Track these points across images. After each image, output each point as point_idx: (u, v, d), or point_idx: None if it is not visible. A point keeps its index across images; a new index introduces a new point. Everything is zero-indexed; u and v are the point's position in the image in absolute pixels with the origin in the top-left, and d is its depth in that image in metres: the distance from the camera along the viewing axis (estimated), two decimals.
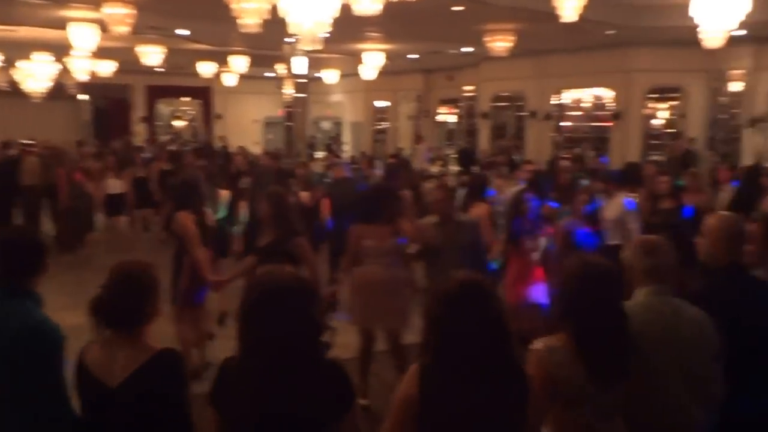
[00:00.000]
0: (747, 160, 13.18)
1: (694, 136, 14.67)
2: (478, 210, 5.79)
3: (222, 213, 6.66)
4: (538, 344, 2.34)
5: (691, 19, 8.16)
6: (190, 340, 5.05)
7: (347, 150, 20.88)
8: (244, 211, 6.94)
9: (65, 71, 15.65)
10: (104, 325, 2.25)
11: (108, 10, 9.55)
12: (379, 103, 22.46)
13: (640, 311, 2.47)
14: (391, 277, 4.65)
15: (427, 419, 2.06)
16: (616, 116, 15.08)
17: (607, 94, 15.71)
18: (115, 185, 9.93)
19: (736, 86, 14.39)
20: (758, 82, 13.94)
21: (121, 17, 9.52)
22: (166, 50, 14.47)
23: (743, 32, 11.16)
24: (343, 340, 5.84)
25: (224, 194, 6.78)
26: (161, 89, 21.82)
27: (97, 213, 10.26)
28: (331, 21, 5.33)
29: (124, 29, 9.63)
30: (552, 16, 9.06)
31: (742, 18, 7.97)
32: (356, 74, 17.91)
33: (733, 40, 10.77)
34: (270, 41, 12.90)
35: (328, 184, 8.10)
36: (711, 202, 6.48)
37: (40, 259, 2.47)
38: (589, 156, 13.87)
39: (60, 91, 18.21)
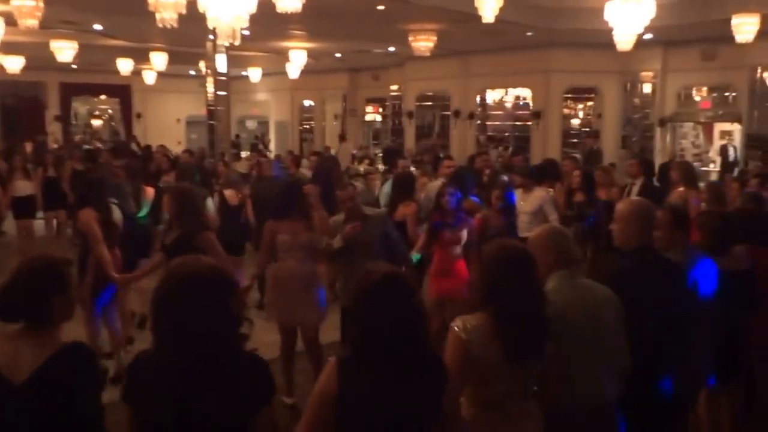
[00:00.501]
0: (659, 157, 13.92)
1: (607, 134, 15.36)
2: (406, 208, 5.80)
3: (145, 211, 6.46)
4: (457, 322, 2.40)
5: (606, 22, 8.53)
6: (101, 341, 4.95)
7: (273, 149, 20.63)
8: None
9: None
10: (5, 319, 2.14)
11: (16, 2, 9.02)
12: (306, 102, 22.32)
13: (557, 295, 2.58)
14: (304, 272, 4.66)
15: (346, 413, 2.05)
16: (536, 115, 15.57)
17: (527, 94, 16.20)
18: (25, 187, 9.41)
19: (647, 87, 15.18)
20: (667, 83, 14.74)
21: (30, 9, 8.99)
22: (79, 46, 13.83)
23: (651, 36, 11.79)
24: (269, 338, 5.79)
25: (149, 192, 6.55)
26: (77, 87, 20.84)
27: (4, 216, 9.70)
28: (251, 17, 5.24)
29: (32, 22, 9.11)
30: (473, 17, 9.27)
31: (648, 23, 8.40)
32: (282, 73, 17.75)
33: (643, 44, 11.39)
34: (191, 38, 12.58)
35: (252, 183, 7.99)
36: (622, 195, 6.79)
37: None
38: (505, 154, 14.30)
39: None
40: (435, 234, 5.17)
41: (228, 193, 6.63)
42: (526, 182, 6.46)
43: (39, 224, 10.07)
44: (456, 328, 2.38)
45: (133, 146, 16.62)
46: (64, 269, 2.23)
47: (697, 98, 15.04)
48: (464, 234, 5.16)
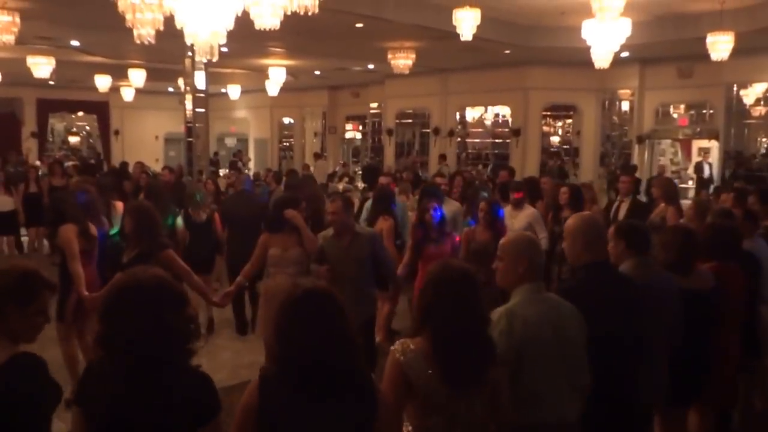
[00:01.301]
0: (637, 174, 14.09)
1: (585, 151, 15.56)
2: (383, 224, 5.81)
3: (117, 228, 6.37)
4: (397, 345, 2.29)
5: (583, 40, 8.66)
6: (76, 358, 4.86)
7: (252, 167, 20.55)
8: None
9: None
10: None
11: None
12: (285, 120, 22.31)
13: (523, 309, 2.55)
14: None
15: (264, 429, 1.98)
16: (515, 133, 15.72)
17: (507, 112, 16.36)
18: (5, 202, 9.26)
19: (625, 105, 15.42)
20: (644, 100, 14.97)
21: (5, 25, 8.93)
22: (56, 62, 13.72)
23: (627, 54, 11.99)
24: (248, 360, 5.70)
25: (120, 208, 6.48)
26: (54, 103, 20.64)
27: None
28: (230, 34, 5.24)
29: (8, 38, 9.04)
30: (451, 34, 9.34)
31: (624, 41, 8.55)
32: (261, 90, 17.74)
33: (620, 62, 11.58)
34: (170, 55, 12.55)
35: (226, 198, 7.98)
36: (609, 212, 6.87)
37: None
38: (484, 172, 14.47)
39: None
40: (419, 249, 5.17)
41: (192, 210, 6.59)
42: (519, 199, 6.47)
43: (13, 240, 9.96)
44: (395, 352, 2.26)
45: (104, 167, 16.49)
46: (34, 285, 2.16)
47: (675, 115, 15.30)
48: (448, 248, 5.17)
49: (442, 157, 16.12)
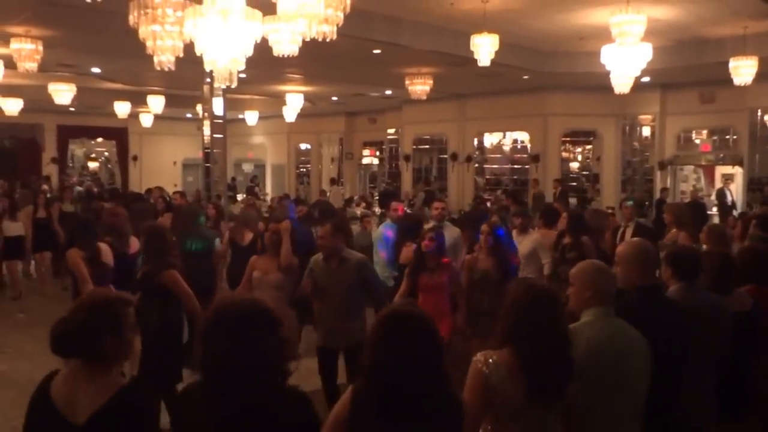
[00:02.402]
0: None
1: (606, 177, 15.48)
2: (409, 250, 5.60)
3: None
4: (479, 357, 2.40)
5: (603, 65, 8.67)
6: None
7: (269, 192, 20.71)
8: None
9: None
10: (62, 354, 2.14)
11: (16, 45, 9.26)
12: (302, 146, 22.52)
13: (590, 330, 2.63)
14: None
15: None
16: (534, 159, 15.70)
17: (525, 137, 16.37)
18: (13, 227, 9.36)
19: (646, 130, 15.36)
20: (666, 126, 14.91)
21: (29, 52, 9.22)
22: (77, 89, 14.03)
23: (648, 79, 11.99)
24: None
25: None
26: (74, 129, 21.06)
27: None
28: (248, 60, 5.33)
29: (32, 65, 9.31)
30: (469, 60, 9.42)
31: (645, 66, 8.55)
32: (278, 116, 17.96)
33: (641, 87, 11.57)
34: (188, 81, 12.78)
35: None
36: (615, 238, 6.86)
37: None
38: (502, 198, 14.43)
39: None
40: (414, 278, 5.03)
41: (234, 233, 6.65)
42: (523, 223, 6.47)
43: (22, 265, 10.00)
44: (478, 363, 2.38)
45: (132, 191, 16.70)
46: (121, 309, 2.22)
47: (697, 141, 15.19)
48: (443, 279, 4.99)
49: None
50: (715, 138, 14.84)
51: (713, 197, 15.45)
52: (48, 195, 12.41)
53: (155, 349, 4.39)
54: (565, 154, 16.20)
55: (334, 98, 17.66)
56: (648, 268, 3.13)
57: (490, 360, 2.37)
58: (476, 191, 15.69)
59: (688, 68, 11.91)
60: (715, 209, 14.92)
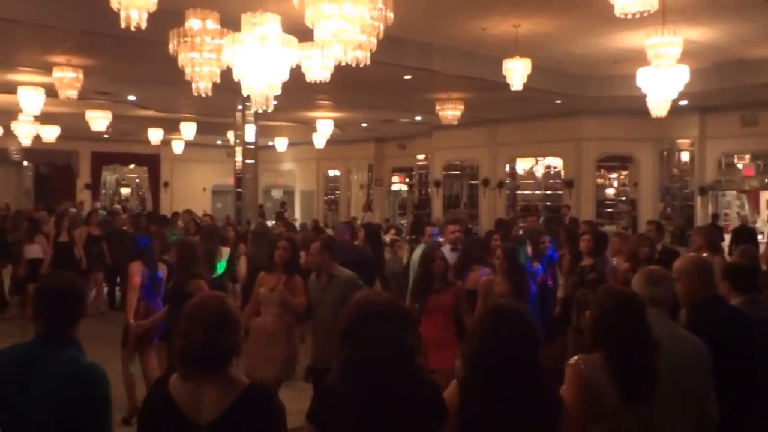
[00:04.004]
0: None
1: (644, 204, 15.35)
2: (477, 275, 5.58)
3: (221, 270, 7.21)
4: (577, 359, 2.58)
5: (638, 89, 8.69)
6: (134, 379, 5.55)
7: (298, 219, 20.95)
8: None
9: (7, 136, 15.51)
10: (197, 370, 2.19)
11: (58, 74, 9.71)
12: (331, 172, 22.79)
13: None
14: (274, 328, 4.83)
15: (466, 428, 2.26)
16: (568, 185, 15.66)
17: (559, 163, 16.35)
18: (32, 250, 9.47)
19: (685, 155, 15.22)
20: (706, 150, 14.76)
21: (70, 81, 9.67)
22: (112, 116, 14.55)
23: (686, 102, 11.96)
24: (299, 407, 5.76)
25: (225, 251, 7.31)
26: (108, 156, 21.82)
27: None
28: (282, 85, 5.52)
29: (72, 93, 9.76)
30: (501, 85, 9.54)
31: (683, 89, 8.55)
32: (308, 143, 18.28)
33: (679, 110, 11.54)
34: (221, 108, 13.14)
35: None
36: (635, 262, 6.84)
37: (81, 304, 2.48)
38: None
39: (2, 156, 17.98)
40: (423, 299, 5.02)
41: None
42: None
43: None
44: (579, 366, 2.54)
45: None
46: (232, 307, 2.32)
47: (740, 165, 14.99)
48: (449, 300, 4.98)
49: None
50: (758, 162, 14.62)
51: (758, 224, 15.16)
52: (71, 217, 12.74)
53: None
54: (600, 180, 16.12)
55: (364, 124, 17.92)
56: (709, 279, 3.26)
57: (588, 362, 2.54)
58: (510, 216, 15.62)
59: (727, 90, 11.85)
60: (760, 237, 14.63)
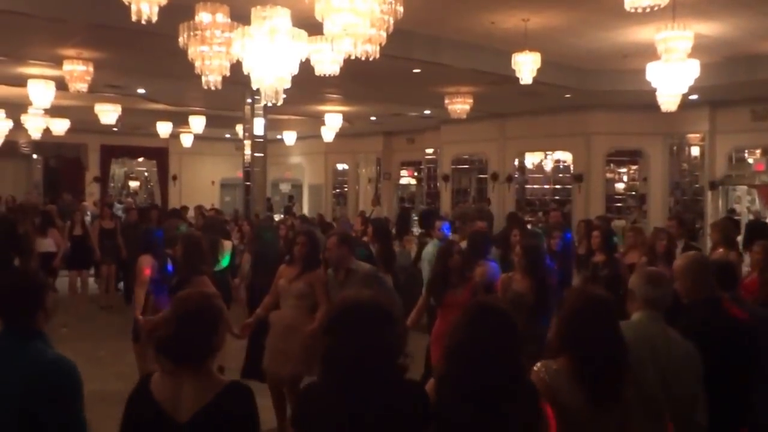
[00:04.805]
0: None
1: (653, 199, 15.32)
2: (483, 270, 5.57)
3: (224, 264, 7.19)
4: (539, 366, 2.52)
5: (648, 83, 8.68)
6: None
7: (306, 213, 21.03)
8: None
9: (17, 129, 15.64)
10: (170, 361, 2.24)
11: (68, 67, 9.78)
12: (340, 166, 22.84)
13: (632, 333, 2.71)
14: (293, 322, 4.80)
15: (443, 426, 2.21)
16: (577, 179, 15.64)
17: (568, 157, 16.33)
18: (44, 244, 9.58)
19: (695, 150, 15.16)
20: (716, 145, 14.70)
21: (80, 74, 9.75)
22: (122, 109, 14.64)
23: (696, 96, 11.92)
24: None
25: (227, 245, 7.22)
26: (117, 149, 21.95)
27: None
28: (292, 78, 5.57)
29: (82, 86, 9.84)
30: (510, 79, 9.55)
31: (693, 83, 8.53)
32: (316, 136, 18.33)
33: (689, 104, 11.50)
34: (230, 101, 13.21)
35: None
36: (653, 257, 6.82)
37: (36, 298, 2.50)
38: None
39: (12, 149, 18.12)
40: (440, 295, 5.03)
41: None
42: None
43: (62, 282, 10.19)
44: (539, 372, 2.50)
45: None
46: (220, 305, 2.37)
47: (750, 160, 14.91)
48: (466, 296, 4.92)
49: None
50: None
51: None
52: (87, 213, 12.87)
53: None
54: (609, 175, 16.09)
55: (373, 118, 17.94)
56: (705, 279, 3.25)
57: (551, 369, 2.49)
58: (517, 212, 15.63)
59: (738, 85, 11.81)
60: None
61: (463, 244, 7.29)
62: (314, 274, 4.96)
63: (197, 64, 6.14)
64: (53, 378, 2.33)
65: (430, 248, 6.81)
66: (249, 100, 12.57)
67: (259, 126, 12.83)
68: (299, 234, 5.31)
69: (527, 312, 4.62)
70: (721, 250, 6.14)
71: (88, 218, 13.05)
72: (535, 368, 2.53)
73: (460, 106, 12.70)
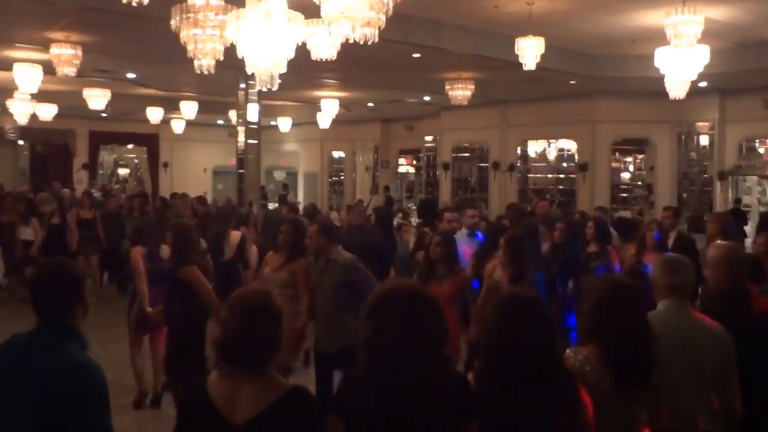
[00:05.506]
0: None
1: (660, 189, 15.33)
2: (495, 264, 5.47)
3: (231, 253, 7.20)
4: (569, 352, 2.66)
5: (656, 69, 8.66)
6: (141, 365, 5.88)
7: (301, 201, 21.01)
8: None
9: (2, 114, 15.58)
10: (232, 365, 2.21)
11: (56, 51, 9.72)
12: (336, 154, 22.80)
13: (658, 321, 2.80)
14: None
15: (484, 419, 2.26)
16: (582, 168, 15.64)
17: (572, 146, 16.32)
18: (25, 233, 9.62)
19: (704, 139, 15.16)
20: (726, 134, 14.69)
21: (69, 58, 9.68)
22: (111, 94, 14.58)
23: (706, 84, 11.90)
24: None
25: (236, 235, 7.26)
26: (106, 135, 21.84)
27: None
28: (287, 63, 5.54)
29: (70, 70, 9.78)
30: (513, 64, 9.52)
31: (702, 70, 8.51)
32: (311, 123, 18.27)
33: (698, 92, 11.49)
34: (222, 87, 13.16)
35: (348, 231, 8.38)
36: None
37: (74, 292, 2.41)
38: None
39: None
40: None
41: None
42: (545, 230, 6.55)
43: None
44: (569, 359, 2.62)
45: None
46: (278, 303, 2.32)
47: (761, 150, 14.92)
48: (453, 289, 4.95)
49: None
50: None
51: None
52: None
53: (178, 339, 5.01)
54: (615, 164, 16.09)
55: (370, 104, 17.90)
56: (736, 270, 3.36)
57: (580, 355, 2.62)
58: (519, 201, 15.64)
59: (750, 72, 11.78)
60: None
61: (459, 234, 7.28)
62: (297, 263, 5.07)
63: (190, 47, 6.10)
64: (74, 382, 2.25)
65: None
66: (243, 85, 12.51)
67: (253, 112, 12.78)
68: (283, 222, 5.39)
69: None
70: (718, 241, 6.17)
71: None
72: (564, 356, 2.64)
73: (461, 92, 12.66)
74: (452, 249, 5.12)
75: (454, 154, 18.37)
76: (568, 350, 2.68)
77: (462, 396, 2.20)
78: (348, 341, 4.64)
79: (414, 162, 21.31)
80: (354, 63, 10.41)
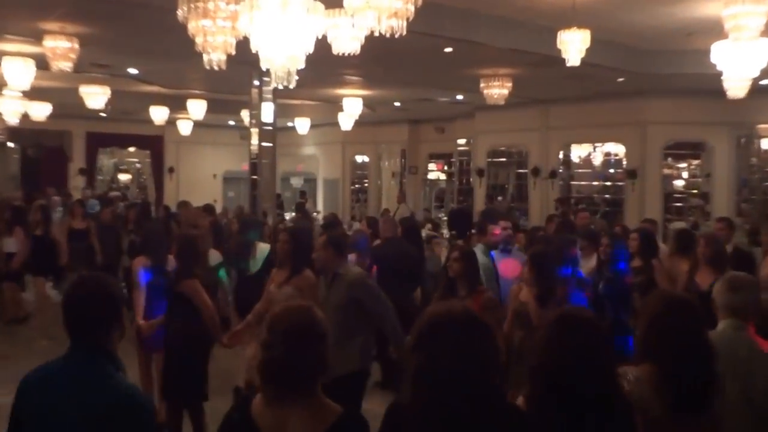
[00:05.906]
0: None
1: (717, 197, 15.14)
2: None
3: (259, 266, 7.24)
4: (621, 371, 2.62)
5: (713, 66, 8.60)
6: (150, 383, 6.05)
7: (320, 210, 21.09)
8: None
9: None
10: (278, 388, 2.22)
11: (50, 43, 9.76)
12: (359, 158, 22.86)
13: (714, 342, 2.79)
14: None
15: None
16: (631, 175, 15.51)
17: (620, 150, 16.20)
18: (7, 244, 9.66)
19: (765, 143, 14.98)
20: None
21: (64, 51, 9.73)
22: (111, 92, 14.71)
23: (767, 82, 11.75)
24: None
25: (263, 247, 7.32)
26: (105, 137, 22.02)
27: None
28: (306, 58, 5.58)
29: (66, 65, 9.85)
30: (556, 60, 9.49)
31: (764, 66, 8.42)
32: (333, 124, 18.35)
33: (760, 90, 11.35)
34: (234, 84, 13.28)
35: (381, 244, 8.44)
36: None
37: (117, 310, 2.44)
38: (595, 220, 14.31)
39: None
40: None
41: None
42: (588, 245, 6.72)
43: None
44: (620, 379, 2.58)
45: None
46: (324, 319, 2.35)
47: None
48: (472, 308, 5.00)
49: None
50: None
51: None
52: (57, 208, 12.75)
53: (176, 358, 5.13)
54: (667, 170, 15.96)
55: (397, 104, 17.95)
56: None
57: (630, 376, 2.61)
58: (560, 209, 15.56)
59: None
60: None
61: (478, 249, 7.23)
62: (303, 276, 5.12)
63: (198, 40, 6.14)
64: (126, 412, 2.27)
65: (480, 255, 6.76)
66: (256, 83, 12.60)
67: (267, 112, 12.86)
68: (281, 232, 5.44)
69: (528, 325, 4.78)
70: None
71: (58, 215, 13.13)
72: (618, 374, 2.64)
73: (497, 90, 12.65)
74: (472, 265, 5.11)
75: (489, 159, 18.33)
76: (620, 369, 2.65)
77: (518, 425, 2.23)
78: (355, 366, 4.69)
79: (445, 168, 21.31)
80: (379, 58, 10.45)
